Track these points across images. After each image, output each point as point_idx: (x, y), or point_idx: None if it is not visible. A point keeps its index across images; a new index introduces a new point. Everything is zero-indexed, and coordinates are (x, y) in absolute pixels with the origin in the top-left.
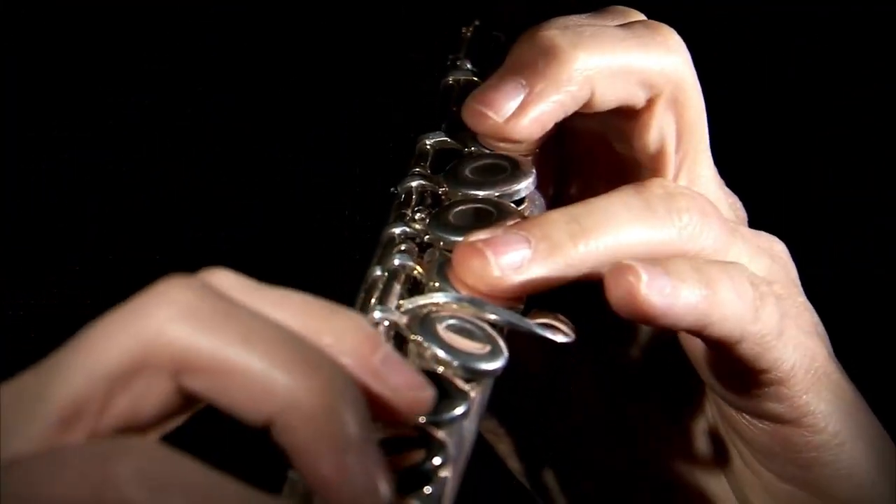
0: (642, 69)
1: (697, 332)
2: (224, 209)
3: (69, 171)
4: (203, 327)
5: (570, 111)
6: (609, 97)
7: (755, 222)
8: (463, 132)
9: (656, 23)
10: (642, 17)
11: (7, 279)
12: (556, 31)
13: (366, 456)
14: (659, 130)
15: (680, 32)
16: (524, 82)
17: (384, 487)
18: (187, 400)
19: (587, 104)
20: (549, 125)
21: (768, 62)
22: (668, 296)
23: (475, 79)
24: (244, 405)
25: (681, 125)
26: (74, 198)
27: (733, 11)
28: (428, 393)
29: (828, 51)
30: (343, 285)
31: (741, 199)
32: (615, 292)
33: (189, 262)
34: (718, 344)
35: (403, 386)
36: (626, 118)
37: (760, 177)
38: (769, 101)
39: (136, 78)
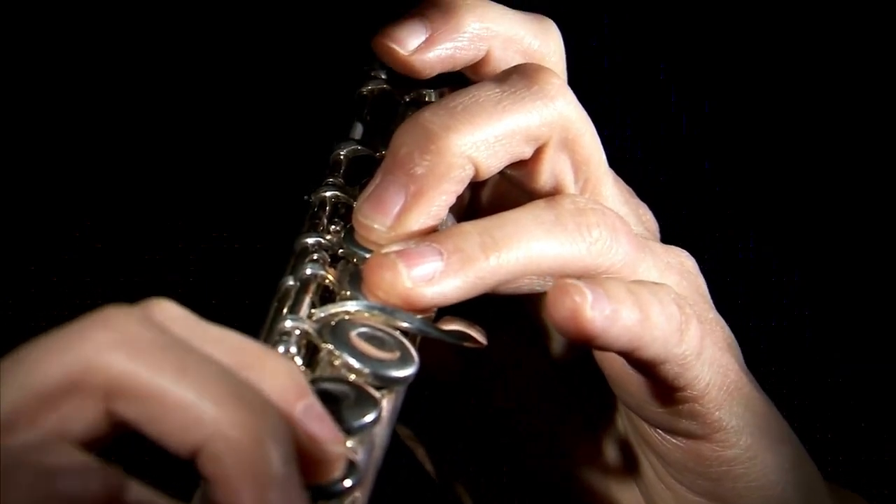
0: (523, 129)
1: (627, 354)
2: (224, 209)
3: (69, 171)
4: (139, 356)
5: (459, 192)
6: (494, 165)
7: (755, 222)
8: (375, 140)
9: (532, 67)
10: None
11: (7, 279)
12: (429, 115)
13: (288, 493)
14: (551, 173)
15: (680, 32)
16: (404, 183)
17: None
18: (114, 426)
19: (475, 176)
20: (442, 215)
21: (769, 60)
22: (607, 317)
23: (387, 87)
24: (172, 433)
25: (576, 160)
26: (74, 198)
27: (733, 10)
28: (340, 450)
29: (828, 49)
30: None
31: (739, 200)
32: (558, 311)
33: (188, 261)
34: (643, 364)
35: (320, 438)
36: (518, 168)
37: (760, 177)
38: (769, 100)
39: (136, 78)
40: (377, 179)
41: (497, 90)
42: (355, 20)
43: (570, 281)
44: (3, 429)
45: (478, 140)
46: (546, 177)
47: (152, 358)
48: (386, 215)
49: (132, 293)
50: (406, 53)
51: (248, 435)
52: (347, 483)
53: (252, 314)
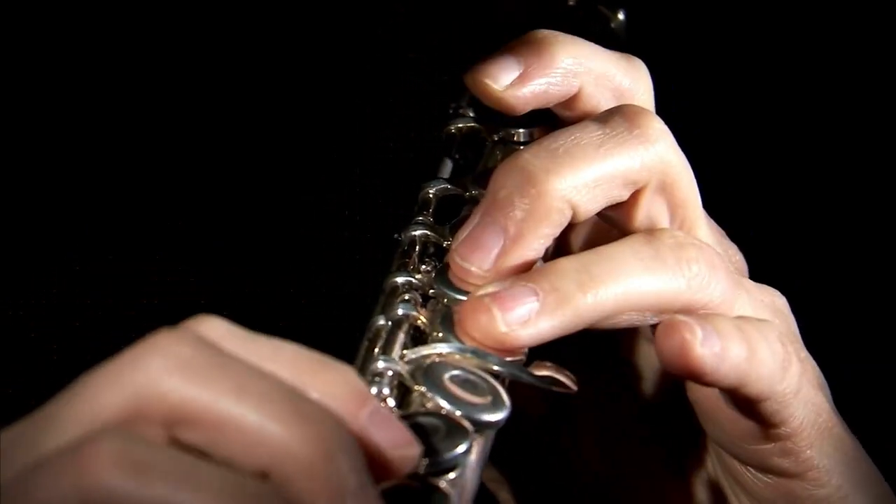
0: (623, 172)
1: (732, 390)
2: (224, 209)
3: (69, 170)
4: (197, 380)
5: (556, 235)
6: (592, 207)
7: (755, 222)
8: (463, 178)
9: (634, 109)
10: (638, 75)
11: (7, 279)
12: (529, 157)
13: (365, 502)
14: (647, 215)
15: (680, 32)
16: (503, 226)
17: None
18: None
19: (572, 218)
20: (538, 257)
21: (769, 60)
22: (716, 355)
23: (476, 125)
24: (239, 456)
25: (672, 203)
26: (74, 198)
27: (734, 10)
28: (415, 451)
29: (829, 49)
30: (341, 287)
31: (739, 199)
32: (668, 347)
33: (189, 261)
34: (746, 401)
35: (389, 444)
36: (614, 210)
37: (759, 177)
38: (769, 100)
39: (137, 78)
40: (475, 220)
41: (599, 132)
42: (354, 19)
43: (680, 317)
44: (62, 470)
45: (578, 184)
46: (642, 218)
47: (210, 380)
48: (484, 258)
49: (133, 294)
50: (500, 89)
51: (316, 451)
52: None
53: (254, 313)
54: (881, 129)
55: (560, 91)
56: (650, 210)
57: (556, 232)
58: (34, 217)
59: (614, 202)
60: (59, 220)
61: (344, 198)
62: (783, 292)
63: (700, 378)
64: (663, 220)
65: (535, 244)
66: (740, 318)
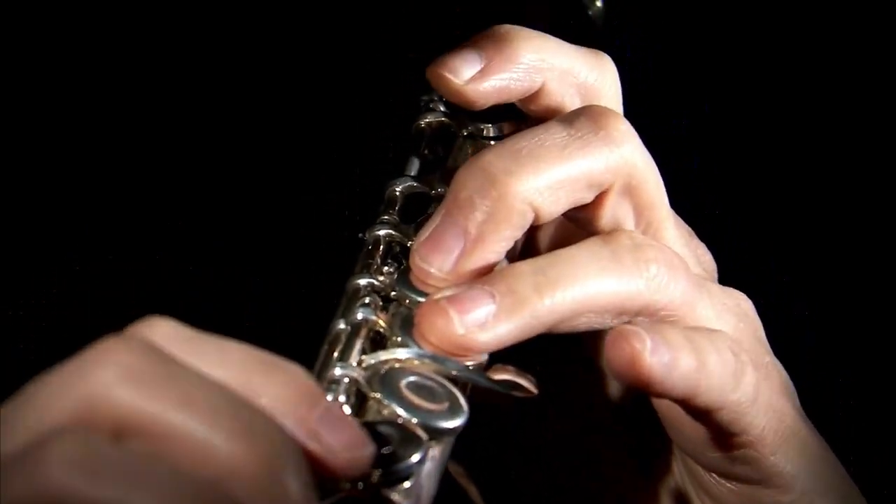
0: (587, 174)
1: (684, 401)
2: (224, 209)
3: (69, 170)
4: (145, 390)
5: (518, 237)
6: (555, 210)
7: (754, 222)
8: (432, 176)
9: (599, 110)
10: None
11: (7, 279)
12: (492, 157)
13: None
14: (612, 217)
15: (680, 32)
16: (464, 227)
17: None
18: None
19: (535, 220)
20: (499, 259)
21: (769, 61)
22: (666, 365)
23: (446, 120)
24: (187, 468)
25: (638, 205)
26: (74, 198)
27: (733, 10)
28: (367, 452)
29: (828, 49)
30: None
31: (738, 200)
32: (617, 356)
33: (189, 261)
34: (698, 411)
35: (340, 446)
36: (578, 211)
37: (759, 177)
38: (769, 101)
39: (137, 78)
40: (436, 221)
41: (563, 133)
42: (354, 19)
43: (629, 326)
44: (14, 472)
45: (540, 186)
46: (606, 220)
47: (158, 391)
48: (444, 259)
49: (133, 294)
50: (460, 83)
51: (262, 468)
52: None
53: (254, 313)
54: (875, 124)
55: (522, 86)
56: (615, 212)
57: (518, 234)
58: (34, 217)
59: (578, 204)
60: (59, 220)
61: (344, 198)
62: (782, 291)
63: (649, 388)
64: (629, 222)
65: (496, 246)
66: (690, 328)
